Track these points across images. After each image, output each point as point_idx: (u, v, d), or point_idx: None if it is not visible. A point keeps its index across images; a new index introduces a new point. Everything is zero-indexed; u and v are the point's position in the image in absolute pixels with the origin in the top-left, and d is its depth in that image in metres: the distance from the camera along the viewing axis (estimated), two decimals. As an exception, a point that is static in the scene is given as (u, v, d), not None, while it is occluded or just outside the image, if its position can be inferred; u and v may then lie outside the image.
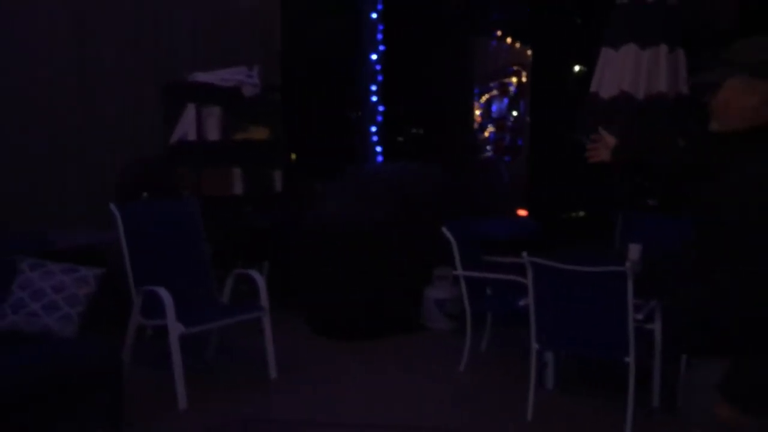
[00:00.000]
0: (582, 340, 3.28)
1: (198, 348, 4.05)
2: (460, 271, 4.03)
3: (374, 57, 6.19)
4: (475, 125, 7.24)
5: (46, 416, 2.96)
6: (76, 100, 4.91)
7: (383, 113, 6.23)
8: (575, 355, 3.78)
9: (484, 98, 7.37)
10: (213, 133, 5.06)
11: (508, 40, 7.09)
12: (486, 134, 7.43)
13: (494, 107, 7.44)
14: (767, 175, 1.81)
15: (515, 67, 7.24)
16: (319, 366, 4.11)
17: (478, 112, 7.29)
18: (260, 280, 3.91)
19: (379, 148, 6.23)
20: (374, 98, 6.24)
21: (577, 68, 5.95)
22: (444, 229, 4.05)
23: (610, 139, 2.33)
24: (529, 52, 6.76)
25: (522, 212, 6.27)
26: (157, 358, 3.72)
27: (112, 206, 3.84)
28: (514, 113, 7.34)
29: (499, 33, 7.02)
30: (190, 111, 4.98)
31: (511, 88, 7.30)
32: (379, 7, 6.15)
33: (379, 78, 6.20)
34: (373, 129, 6.23)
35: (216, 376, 3.93)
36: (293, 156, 5.86)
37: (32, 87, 4.69)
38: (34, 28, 4.68)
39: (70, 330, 3.35)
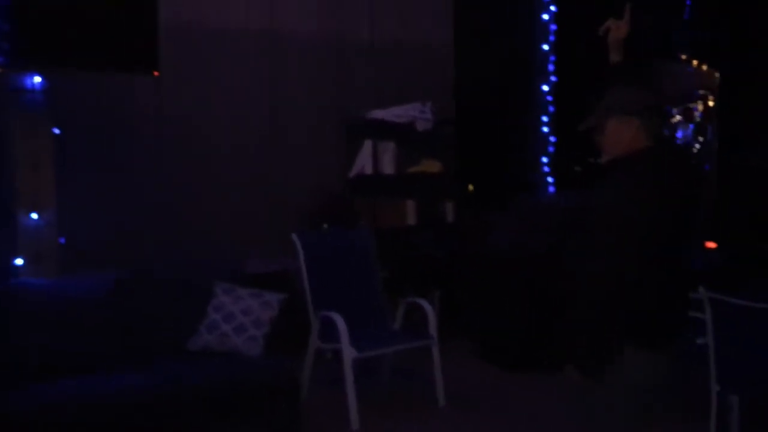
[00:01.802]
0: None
1: (371, 372, 4.22)
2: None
3: (545, 88, 6.17)
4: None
5: (230, 425, 3.23)
6: (269, 137, 5.34)
7: (555, 144, 6.16)
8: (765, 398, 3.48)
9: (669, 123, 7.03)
10: (388, 167, 5.31)
11: (694, 62, 6.72)
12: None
13: (679, 133, 7.07)
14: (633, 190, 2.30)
15: (701, 92, 6.85)
16: (488, 395, 4.11)
17: (661, 139, 6.95)
18: (430, 309, 4.02)
19: (551, 179, 6.16)
20: (545, 129, 6.20)
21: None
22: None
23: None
24: (717, 75, 6.37)
25: (710, 244, 5.87)
26: (334, 379, 3.93)
27: (294, 236, 4.13)
28: (701, 139, 6.92)
29: (683, 56, 6.68)
30: (367, 146, 5.27)
31: (697, 113, 6.90)
32: (551, 38, 6.13)
33: (551, 109, 6.16)
34: (545, 159, 6.18)
35: (387, 400, 4.07)
36: (470, 187, 5.94)
37: (231, 126, 5.15)
38: (235, 72, 5.16)
39: (255, 350, 3.65)
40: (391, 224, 5.15)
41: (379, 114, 5.38)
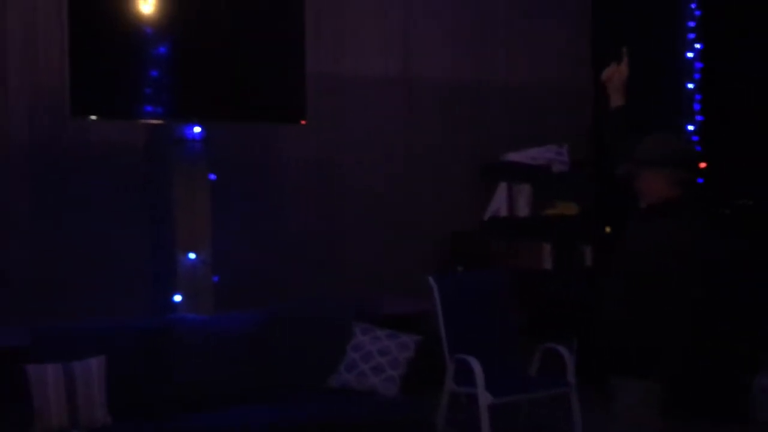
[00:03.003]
0: None
1: (507, 417, 4.17)
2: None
3: (690, 128, 5.93)
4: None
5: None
6: (404, 179, 5.48)
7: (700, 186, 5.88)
8: None
9: None
10: (523, 210, 5.29)
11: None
12: None
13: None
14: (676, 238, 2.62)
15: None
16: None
17: None
18: (568, 355, 3.95)
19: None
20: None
21: None
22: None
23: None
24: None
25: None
26: (469, 424, 3.92)
27: (431, 278, 4.20)
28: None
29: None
30: (502, 189, 5.29)
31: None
32: (696, 76, 5.91)
33: (698, 149, 5.90)
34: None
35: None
36: (607, 229, 5.79)
37: (369, 168, 5.32)
38: (373, 117, 5.35)
39: (392, 391, 3.73)
40: (527, 267, 5.11)
41: (514, 156, 5.40)
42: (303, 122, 4.28)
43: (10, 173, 4.16)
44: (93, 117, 3.97)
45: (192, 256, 4.08)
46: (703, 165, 4.40)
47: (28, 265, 4.17)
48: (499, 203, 5.32)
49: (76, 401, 3.32)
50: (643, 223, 2.73)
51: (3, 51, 4.16)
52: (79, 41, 3.78)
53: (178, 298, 4.06)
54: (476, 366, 3.72)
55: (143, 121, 4.16)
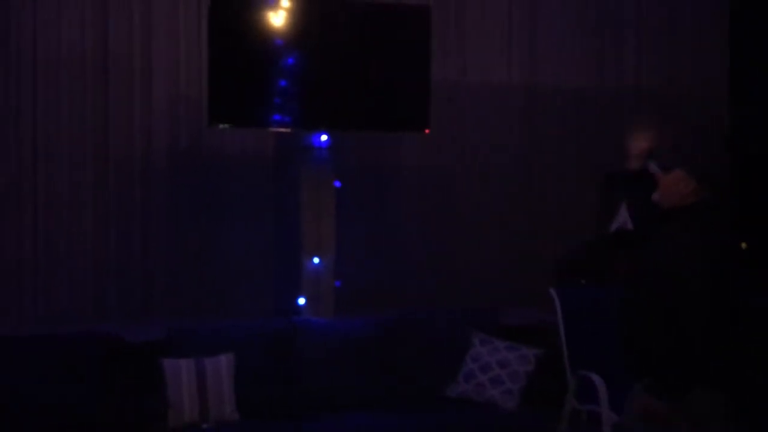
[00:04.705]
0: None
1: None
2: None
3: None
4: None
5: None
6: (525, 189, 5.39)
7: None
8: None
9: None
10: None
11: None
12: None
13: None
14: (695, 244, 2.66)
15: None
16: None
17: None
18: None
19: None
20: None
21: None
22: None
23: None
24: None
25: None
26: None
27: (552, 290, 4.11)
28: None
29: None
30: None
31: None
32: None
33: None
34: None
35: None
36: (743, 245, 5.47)
37: (489, 177, 5.27)
38: (495, 125, 5.29)
39: (511, 404, 3.69)
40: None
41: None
42: (426, 131, 4.31)
43: (151, 178, 4.42)
44: (227, 126, 4.18)
45: (316, 260, 4.20)
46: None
47: (165, 266, 4.40)
48: (625, 216, 5.12)
49: (207, 396, 3.50)
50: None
51: (148, 61, 4.41)
52: (217, 54, 4.00)
53: (302, 301, 4.18)
54: (600, 384, 3.60)
55: (273, 129, 4.32)
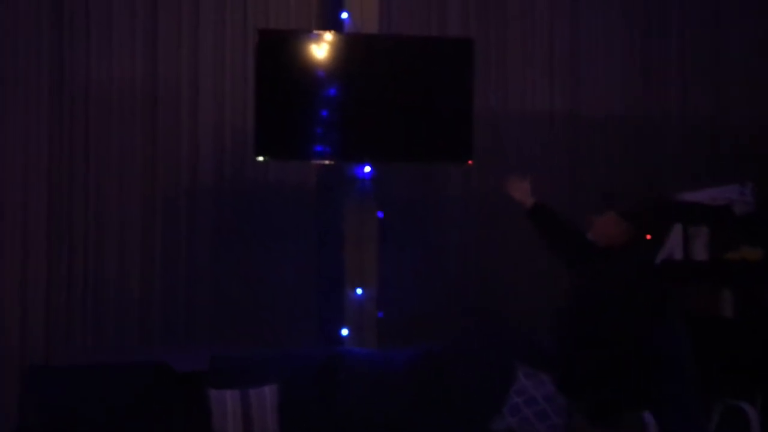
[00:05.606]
0: None
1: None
2: None
3: None
4: None
5: None
6: (569, 218, 5.32)
7: None
8: None
9: None
10: (701, 253, 4.95)
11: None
12: None
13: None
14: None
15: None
16: None
17: None
18: (753, 414, 3.64)
19: None
20: None
21: None
22: None
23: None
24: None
25: None
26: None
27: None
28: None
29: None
30: (677, 230, 4.99)
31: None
32: None
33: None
34: None
35: None
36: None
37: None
38: (538, 154, 5.24)
39: (558, 439, 3.61)
40: (704, 315, 4.78)
41: (690, 196, 5.09)
42: (470, 162, 4.30)
43: (197, 207, 4.48)
44: (271, 158, 4.22)
45: (359, 291, 4.20)
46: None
47: (209, 295, 4.44)
48: (673, 246, 5.03)
49: (252, 428, 3.50)
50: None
51: (195, 89, 4.49)
52: (262, 86, 4.06)
53: (345, 331, 4.18)
54: (650, 421, 3.51)
55: (317, 161, 4.35)
